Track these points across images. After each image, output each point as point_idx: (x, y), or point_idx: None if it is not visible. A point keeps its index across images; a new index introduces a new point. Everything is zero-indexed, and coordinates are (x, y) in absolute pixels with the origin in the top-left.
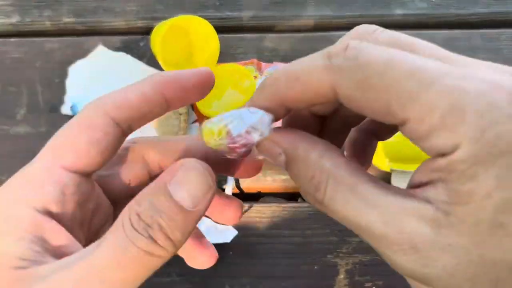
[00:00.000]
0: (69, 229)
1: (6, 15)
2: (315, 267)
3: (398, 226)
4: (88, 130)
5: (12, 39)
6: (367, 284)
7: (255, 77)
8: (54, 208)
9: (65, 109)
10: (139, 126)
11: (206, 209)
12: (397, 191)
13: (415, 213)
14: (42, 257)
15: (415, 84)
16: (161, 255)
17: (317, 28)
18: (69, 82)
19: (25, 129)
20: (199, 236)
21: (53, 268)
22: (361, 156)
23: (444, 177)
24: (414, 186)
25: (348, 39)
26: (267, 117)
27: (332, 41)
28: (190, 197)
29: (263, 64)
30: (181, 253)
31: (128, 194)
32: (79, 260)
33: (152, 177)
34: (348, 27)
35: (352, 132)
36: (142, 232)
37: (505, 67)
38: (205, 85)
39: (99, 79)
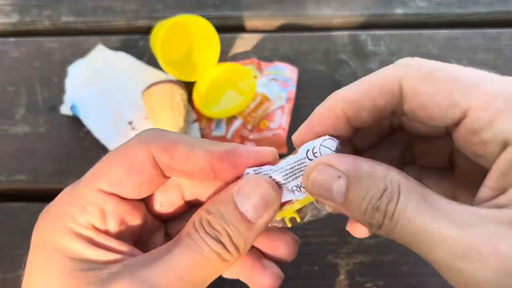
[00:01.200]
0: (120, 239)
1: (6, 14)
2: (316, 267)
3: (476, 230)
4: (126, 161)
5: (11, 39)
6: (367, 285)
7: (255, 76)
8: (97, 224)
9: (65, 109)
10: (178, 175)
11: (267, 223)
12: (465, 203)
13: (492, 218)
14: (104, 257)
15: (477, 77)
16: (228, 259)
17: (317, 27)
18: (69, 82)
19: (24, 129)
20: (258, 258)
21: (125, 263)
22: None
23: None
24: (484, 200)
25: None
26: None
27: (332, 41)
28: (254, 209)
29: (263, 64)
30: (244, 278)
31: (163, 214)
32: (154, 261)
33: (186, 202)
34: (348, 26)
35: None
36: (214, 237)
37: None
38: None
39: (99, 78)
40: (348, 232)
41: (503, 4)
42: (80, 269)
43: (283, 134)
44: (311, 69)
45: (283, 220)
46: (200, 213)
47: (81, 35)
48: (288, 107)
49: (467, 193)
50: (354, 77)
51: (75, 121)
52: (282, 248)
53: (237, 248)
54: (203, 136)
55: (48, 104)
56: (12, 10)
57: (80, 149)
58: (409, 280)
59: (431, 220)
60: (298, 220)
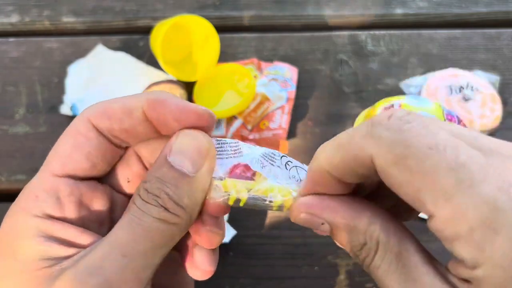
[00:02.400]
0: (83, 226)
1: (6, 14)
2: (316, 268)
3: None
4: (71, 136)
5: (11, 39)
6: (367, 285)
7: (255, 76)
8: (54, 212)
9: (64, 109)
10: (128, 141)
11: (210, 172)
12: (440, 271)
13: None
14: (64, 253)
15: (452, 183)
16: (176, 222)
17: (317, 27)
18: (69, 82)
19: (24, 129)
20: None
21: (75, 258)
22: None
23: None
24: (454, 272)
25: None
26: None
27: (332, 41)
28: (190, 162)
29: (263, 64)
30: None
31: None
32: (100, 243)
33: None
34: (348, 26)
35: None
36: (153, 203)
37: None
38: (195, 122)
39: (99, 78)
40: None
41: (503, 4)
42: (35, 269)
43: (283, 134)
44: (311, 69)
45: (226, 196)
46: (138, 186)
47: (81, 35)
48: (288, 107)
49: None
50: (354, 77)
51: None
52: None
53: (181, 207)
54: None
55: (48, 104)
56: (12, 10)
57: None
58: None
59: (397, 286)
60: (242, 204)
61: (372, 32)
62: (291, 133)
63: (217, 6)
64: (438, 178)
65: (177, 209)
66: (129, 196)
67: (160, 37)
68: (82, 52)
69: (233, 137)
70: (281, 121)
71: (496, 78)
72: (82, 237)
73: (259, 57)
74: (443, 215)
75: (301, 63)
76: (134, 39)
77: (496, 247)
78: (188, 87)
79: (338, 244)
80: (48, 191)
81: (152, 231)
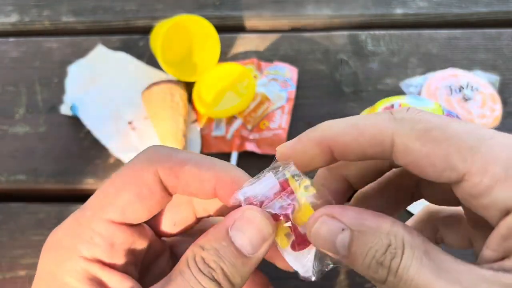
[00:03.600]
0: (123, 270)
1: (6, 14)
2: None
3: None
4: (136, 186)
5: (11, 39)
6: (367, 285)
7: (255, 76)
8: (104, 258)
9: (64, 109)
10: (184, 193)
11: (263, 255)
12: (468, 263)
13: (495, 281)
14: None
15: (475, 138)
16: None
17: (317, 27)
18: (69, 82)
19: (24, 129)
20: (266, 285)
21: None
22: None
23: None
24: (487, 261)
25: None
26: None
27: (332, 41)
28: (250, 244)
29: (263, 64)
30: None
31: (175, 233)
32: None
33: (198, 219)
34: (348, 26)
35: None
36: (208, 275)
37: None
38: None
39: (99, 78)
40: None
41: (503, 4)
42: None
43: (283, 134)
44: (311, 69)
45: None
46: (193, 249)
47: (81, 35)
48: (288, 107)
49: (482, 236)
50: (354, 77)
51: (75, 121)
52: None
53: (232, 285)
54: (203, 136)
55: (48, 104)
56: (12, 10)
57: (80, 149)
58: None
59: (434, 279)
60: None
61: (372, 32)
62: (291, 133)
63: (217, 6)
64: (462, 139)
65: (228, 286)
66: (164, 236)
67: (160, 37)
68: (82, 52)
69: (233, 137)
70: (281, 121)
71: (496, 78)
72: (124, 283)
73: (259, 57)
74: (476, 168)
75: (301, 63)
76: (134, 39)
77: None
78: (188, 87)
79: (350, 264)
80: (103, 238)
81: None
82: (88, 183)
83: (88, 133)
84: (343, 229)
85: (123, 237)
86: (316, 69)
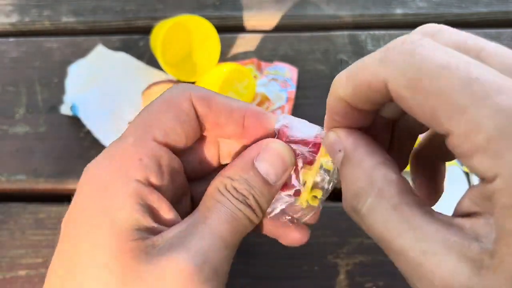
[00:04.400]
0: (168, 196)
1: (6, 14)
2: (316, 267)
3: (437, 259)
4: (173, 109)
5: (11, 39)
6: (367, 285)
7: (255, 76)
8: (154, 180)
9: (65, 109)
10: (212, 131)
11: (282, 184)
12: (444, 220)
13: (458, 249)
14: (155, 226)
15: (466, 96)
16: (254, 222)
17: (317, 27)
18: (69, 82)
19: (24, 129)
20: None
21: (168, 236)
22: (430, 182)
23: (490, 210)
24: (462, 214)
25: (412, 35)
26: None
27: (332, 41)
28: (275, 174)
29: (263, 64)
30: (274, 235)
31: (198, 171)
32: (198, 228)
33: (221, 165)
34: (348, 26)
35: (414, 159)
36: (242, 201)
37: None
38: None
39: (99, 79)
40: (348, 232)
41: (502, 4)
42: (130, 239)
43: None
44: (311, 69)
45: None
46: (222, 180)
47: (81, 35)
48: (288, 107)
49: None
50: None
51: (75, 121)
52: (294, 234)
53: (262, 210)
54: None
55: (48, 104)
56: (12, 10)
57: (80, 149)
58: None
59: (395, 235)
60: (316, 202)
61: (372, 32)
62: None
63: (217, 6)
64: (452, 94)
65: (259, 211)
66: (189, 176)
67: (160, 37)
68: (82, 52)
69: None
70: None
71: None
72: (170, 213)
73: (259, 57)
74: (459, 130)
75: (301, 63)
76: (134, 39)
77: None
78: None
79: (340, 177)
80: (151, 157)
81: (241, 226)
82: None
83: (88, 133)
84: (339, 150)
85: (168, 159)
86: (316, 69)
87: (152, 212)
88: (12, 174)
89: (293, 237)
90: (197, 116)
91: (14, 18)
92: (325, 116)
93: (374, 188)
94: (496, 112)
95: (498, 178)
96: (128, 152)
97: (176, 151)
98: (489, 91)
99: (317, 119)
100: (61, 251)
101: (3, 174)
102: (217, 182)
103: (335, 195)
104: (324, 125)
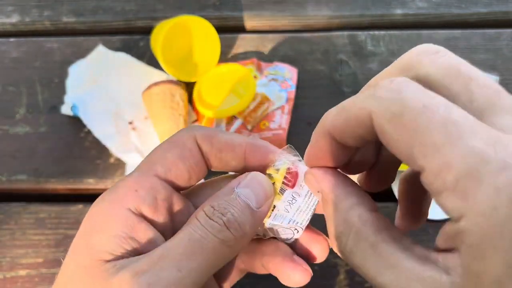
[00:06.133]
0: (161, 233)
1: (6, 15)
2: (315, 267)
3: None
4: (177, 147)
5: (12, 39)
6: (367, 285)
7: (255, 77)
8: (147, 211)
9: (65, 109)
10: (217, 167)
11: (266, 213)
12: (420, 254)
13: (431, 285)
14: (129, 254)
15: (442, 136)
16: (232, 245)
17: (317, 28)
18: (69, 82)
19: (24, 129)
20: (289, 254)
21: (135, 258)
22: (416, 208)
23: (459, 247)
24: (437, 248)
25: (407, 58)
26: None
27: (332, 41)
28: (255, 198)
29: (263, 64)
30: (274, 272)
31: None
32: (157, 252)
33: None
34: (348, 27)
35: (401, 184)
36: (217, 220)
37: None
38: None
39: (99, 79)
40: None
41: (502, 4)
42: (101, 263)
43: (283, 134)
44: (311, 69)
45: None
46: (202, 205)
47: (82, 36)
48: (288, 107)
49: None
50: (354, 77)
51: (75, 121)
52: (315, 248)
53: (242, 232)
54: None
55: (48, 104)
56: (13, 11)
57: (81, 149)
58: None
59: (374, 272)
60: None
61: (371, 32)
62: (290, 133)
63: (217, 6)
64: (429, 133)
65: (239, 232)
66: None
67: (161, 38)
68: (82, 52)
69: None
70: (281, 121)
71: (495, 78)
72: (152, 243)
73: (259, 57)
74: (432, 168)
75: (301, 63)
76: (135, 39)
77: (479, 196)
78: (188, 87)
79: (325, 217)
80: (148, 190)
81: (210, 250)
82: (88, 183)
83: (89, 133)
84: (318, 191)
85: (165, 195)
86: (316, 69)
87: (133, 241)
88: (13, 174)
89: (294, 278)
90: (202, 154)
91: (14, 18)
92: (308, 149)
93: (352, 229)
94: (468, 154)
95: (464, 218)
96: (127, 184)
97: (180, 187)
98: (464, 133)
99: (317, 119)
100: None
101: (4, 174)
102: (199, 208)
103: None
104: (305, 158)
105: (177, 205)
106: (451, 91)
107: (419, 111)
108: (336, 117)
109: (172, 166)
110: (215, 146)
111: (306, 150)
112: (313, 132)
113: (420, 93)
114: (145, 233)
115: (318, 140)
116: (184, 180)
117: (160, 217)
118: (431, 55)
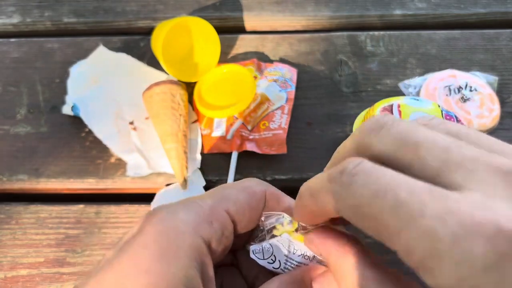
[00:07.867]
0: (216, 262)
1: (7, 15)
2: None
3: None
4: (250, 195)
5: (13, 39)
6: None
7: (255, 77)
8: (214, 245)
9: (66, 109)
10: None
11: None
12: None
13: None
14: (199, 283)
15: (396, 221)
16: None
17: (316, 28)
18: (70, 82)
19: (25, 129)
20: None
21: None
22: None
23: None
24: None
25: (360, 139)
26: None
27: (331, 42)
28: None
29: (263, 64)
30: None
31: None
32: None
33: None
34: (348, 27)
35: None
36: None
37: None
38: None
39: (100, 79)
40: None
41: (501, 5)
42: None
43: (283, 134)
44: (311, 69)
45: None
46: None
47: (82, 36)
48: (288, 108)
49: None
50: (354, 77)
51: (76, 122)
52: None
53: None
54: (203, 136)
55: (49, 105)
56: (14, 11)
57: (82, 149)
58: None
59: None
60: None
61: (371, 32)
62: (290, 133)
63: (217, 6)
64: (385, 220)
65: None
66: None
67: (161, 38)
68: (83, 53)
69: (233, 137)
70: (281, 121)
71: (494, 78)
72: (211, 279)
73: (259, 57)
74: (400, 251)
75: (301, 63)
76: (135, 40)
77: (445, 272)
78: (189, 88)
79: None
80: (220, 224)
81: None
82: (89, 183)
83: (89, 133)
84: (320, 254)
85: (229, 231)
86: (316, 70)
87: (203, 274)
88: (14, 174)
89: None
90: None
91: (15, 19)
92: (296, 202)
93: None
94: (421, 235)
95: None
96: (203, 211)
97: (235, 229)
98: (413, 212)
99: (317, 119)
100: (110, 265)
101: (5, 174)
102: None
103: None
104: (294, 211)
105: (229, 244)
106: (404, 163)
107: (370, 203)
108: (309, 204)
109: (240, 208)
110: (281, 206)
111: (295, 205)
112: (297, 196)
113: (366, 180)
114: (210, 268)
115: (303, 202)
116: (242, 224)
117: (219, 253)
118: (379, 132)
